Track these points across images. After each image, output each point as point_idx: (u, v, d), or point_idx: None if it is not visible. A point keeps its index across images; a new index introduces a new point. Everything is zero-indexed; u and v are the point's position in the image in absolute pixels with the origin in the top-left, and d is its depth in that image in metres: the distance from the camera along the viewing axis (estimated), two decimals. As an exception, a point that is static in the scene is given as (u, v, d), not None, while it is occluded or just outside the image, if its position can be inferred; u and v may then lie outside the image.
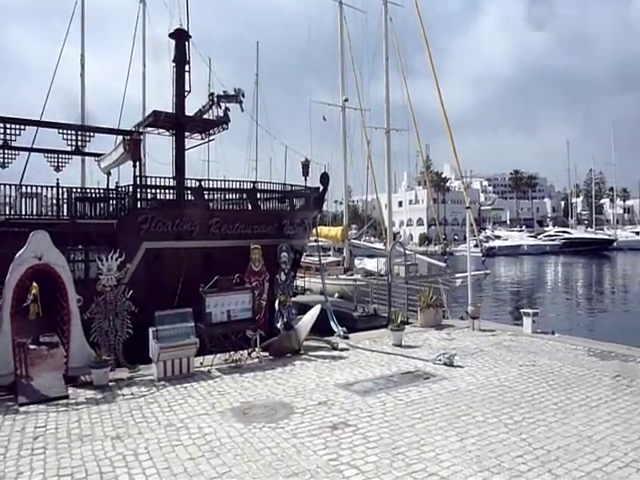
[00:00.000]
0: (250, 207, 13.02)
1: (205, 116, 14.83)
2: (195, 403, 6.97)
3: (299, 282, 21.10)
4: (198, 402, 7.01)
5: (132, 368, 8.67)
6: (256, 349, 9.52)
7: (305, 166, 13.64)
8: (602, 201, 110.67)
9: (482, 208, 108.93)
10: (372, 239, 39.32)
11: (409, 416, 6.30)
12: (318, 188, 14.35)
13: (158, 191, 12.54)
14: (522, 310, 12.11)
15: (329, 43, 25.15)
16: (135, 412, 6.63)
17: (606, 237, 77.23)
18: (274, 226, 12.71)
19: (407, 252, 20.05)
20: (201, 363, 8.90)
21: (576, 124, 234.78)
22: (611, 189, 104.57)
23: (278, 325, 10.14)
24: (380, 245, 29.29)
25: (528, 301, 29.49)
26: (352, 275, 21.33)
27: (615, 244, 73.53)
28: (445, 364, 8.62)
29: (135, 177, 12.00)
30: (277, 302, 10.31)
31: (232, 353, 9.22)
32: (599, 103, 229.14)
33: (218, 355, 9.11)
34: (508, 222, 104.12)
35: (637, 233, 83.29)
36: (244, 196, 13.05)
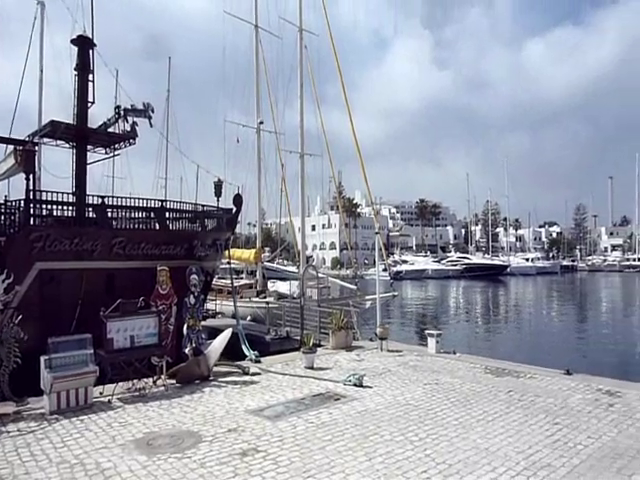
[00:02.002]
0: (158, 227, 12.52)
1: (110, 129, 14.14)
2: (93, 437, 6.46)
3: (210, 305, 20.55)
4: (96, 435, 6.51)
5: (19, 402, 7.87)
6: (162, 376, 9.06)
7: (218, 186, 13.44)
8: (497, 230, 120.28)
9: (390, 234, 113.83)
10: (285, 262, 39.45)
11: (320, 438, 6.31)
12: (231, 209, 14.18)
13: (55, 207, 11.66)
14: (427, 331, 12.70)
15: (244, 65, 25.26)
16: (22, 450, 6.00)
17: (501, 263, 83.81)
18: (184, 247, 12.30)
19: (319, 275, 20.32)
20: (101, 393, 8.31)
21: (476, 158, 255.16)
22: (505, 219, 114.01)
23: (186, 350, 9.74)
24: (293, 268, 29.46)
25: (432, 322, 30.99)
26: (265, 298, 21.17)
27: (508, 269, 79.96)
28: (355, 385, 8.78)
29: (28, 191, 11.06)
30: (186, 326, 9.93)
31: (136, 381, 8.71)
32: (495, 140, 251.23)
33: (120, 384, 8.55)
34: (414, 247, 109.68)
35: (527, 259, 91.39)
36: (152, 215, 12.53)
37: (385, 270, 25.90)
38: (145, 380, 8.82)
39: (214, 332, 11.55)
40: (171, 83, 39.22)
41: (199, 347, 9.75)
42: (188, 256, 12.20)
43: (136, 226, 12.67)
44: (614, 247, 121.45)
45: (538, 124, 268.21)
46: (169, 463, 5.57)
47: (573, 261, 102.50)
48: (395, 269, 65.94)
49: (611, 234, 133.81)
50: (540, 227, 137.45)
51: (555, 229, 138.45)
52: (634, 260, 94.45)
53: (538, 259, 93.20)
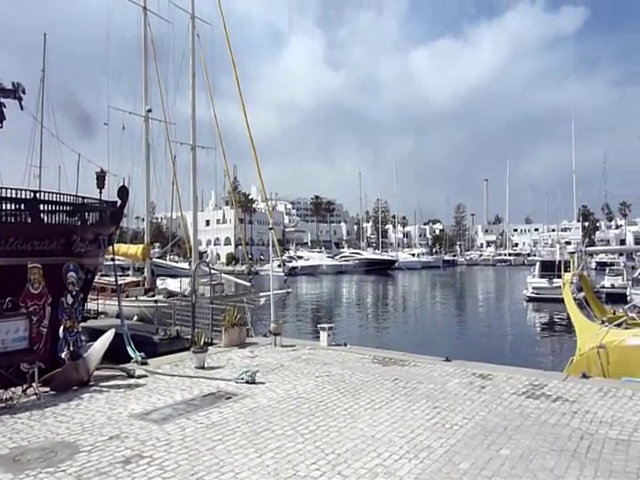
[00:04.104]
0: (30, 220, 11.31)
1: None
2: (-56, 457, 5.67)
3: (93, 305, 19.14)
4: (-51, 455, 5.73)
5: None
6: (34, 384, 8.22)
7: (100, 177, 12.50)
8: (387, 227, 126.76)
9: (286, 230, 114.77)
10: (177, 258, 37.95)
11: (210, 439, 6.15)
12: (116, 202, 13.26)
13: None
14: (319, 325, 12.95)
15: (131, 48, 23.61)
16: None
17: (390, 258, 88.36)
18: (60, 242, 11.24)
19: (213, 272, 19.86)
20: (-44, 407, 7.34)
21: (367, 157, 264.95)
22: (394, 217, 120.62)
23: (63, 354, 8.95)
24: (185, 264, 28.41)
25: (326, 316, 31.79)
26: (153, 296, 20.17)
27: (397, 264, 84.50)
28: (247, 382, 8.68)
29: None
30: (62, 328, 9.11)
31: (1, 391, 7.80)
32: (385, 140, 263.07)
33: (-18, 395, 7.62)
34: (309, 243, 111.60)
35: (413, 255, 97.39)
36: (22, 207, 11.29)
37: (280, 266, 26.02)
38: (13, 390, 7.93)
39: (96, 334, 10.74)
40: (49, 63, 35.65)
41: (77, 350, 9.01)
42: (66, 252, 11.19)
43: (3, 219, 11.33)
44: (489, 243, 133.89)
45: (422, 127, 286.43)
46: (40, 479, 5.07)
47: (454, 256, 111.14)
48: (290, 265, 66.72)
49: (486, 231, 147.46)
50: (425, 224, 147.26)
51: (438, 226, 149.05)
52: (505, 255, 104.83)
53: (423, 254, 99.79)
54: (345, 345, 12.24)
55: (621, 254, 42.16)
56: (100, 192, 12.85)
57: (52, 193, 12.07)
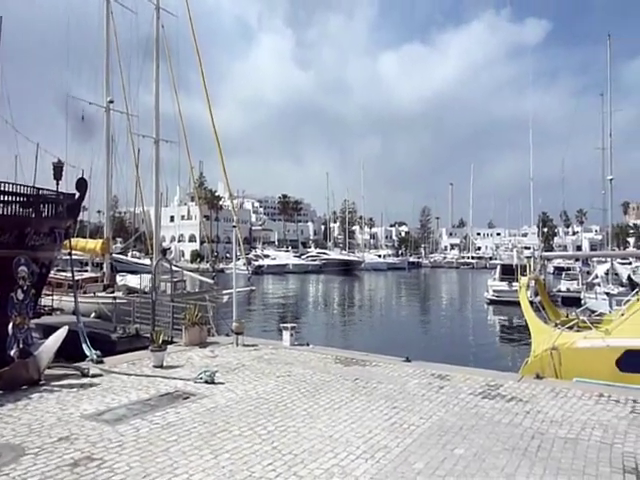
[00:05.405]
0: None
1: None
2: None
3: (47, 301, 18.45)
4: None
5: None
6: (-21, 383, 7.86)
7: (57, 168, 12.05)
8: (354, 227, 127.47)
9: (253, 228, 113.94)
10: (139, 254, 37.11)
11: (164, 440, 6.00)
12: (73, 194, 12.80)
13: None
14: (281, 325, 12.88)
15: (92, 36, 22.75)
16: None
17: (356, 259, 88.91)
18: (12, 234, 10.77)
19: (175, 268, 19.48)
20: None
21: (335, 158, 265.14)
22: (361, 218, 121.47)
23: (12, 352, 8.59)
24: (147, 261, 27.80)
25: (291, 316, 31.69)
26: (112, 292, 19.63)
27: (363, 265, 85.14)
28: (206, 382, 8.53)
29: None
30: (11, 325, 8.74)
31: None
32: (353, 141, 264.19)
33: None
34: (276, 242, 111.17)
35: (379, 256, 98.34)
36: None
37: (245, 265, 25.79)
38: (-44, 389, 7.57)
39: (50, 330, 10.36)
40: (5, 46, 34.15)
41: (28, 348, 8.66)
42: (18, 245, 10.72)
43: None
44: (452, 246, 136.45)
45: (390, 130, 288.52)
46: (-21, 484, 4.84)
47: (419, 258, 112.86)
48: (257, 263, 66.38)
49: (450, 234, 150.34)
50: (391, 226, 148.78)
51: (404, 228, 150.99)
52: (468, 258, 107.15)
53: (389, 256, 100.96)
54: (308, 345, 12.20)
55: (577, 259, 43.73)
56: (57, 183, 12.39)
57: (4, 183, 11.55)
